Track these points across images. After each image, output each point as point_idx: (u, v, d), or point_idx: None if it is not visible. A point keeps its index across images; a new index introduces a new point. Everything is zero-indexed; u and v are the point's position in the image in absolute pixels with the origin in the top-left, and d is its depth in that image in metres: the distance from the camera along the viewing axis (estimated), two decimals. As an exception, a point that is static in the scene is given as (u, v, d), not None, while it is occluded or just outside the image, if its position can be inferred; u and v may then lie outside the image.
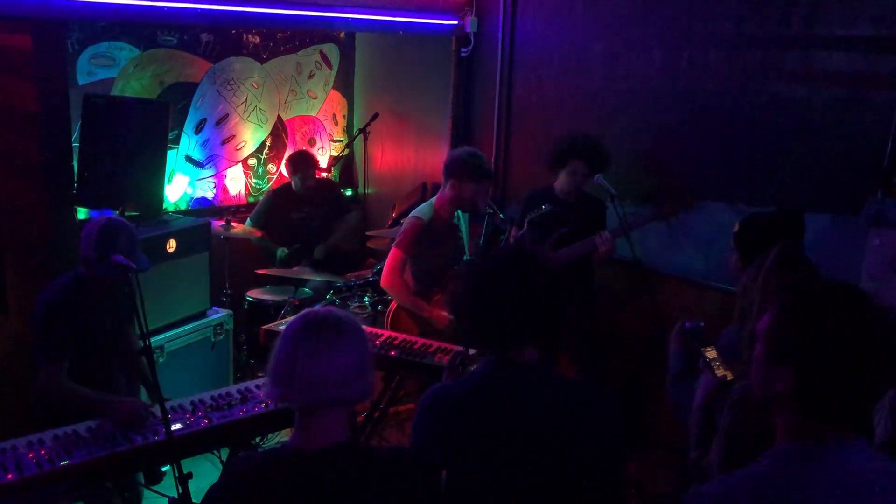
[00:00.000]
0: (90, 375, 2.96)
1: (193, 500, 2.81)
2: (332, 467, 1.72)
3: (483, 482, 1.92)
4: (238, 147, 5.80)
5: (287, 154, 5.86)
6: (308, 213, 5.47)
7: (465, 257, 4.09)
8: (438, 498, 1.88)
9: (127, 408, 2.75)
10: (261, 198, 5.69)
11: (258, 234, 5.26)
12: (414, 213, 4.02)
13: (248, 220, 5.41)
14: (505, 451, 1.91)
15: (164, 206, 4.61)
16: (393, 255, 3.91)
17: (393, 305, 4.04)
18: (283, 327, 3.89)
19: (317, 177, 5.57)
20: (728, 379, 2.20)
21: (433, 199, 3.99)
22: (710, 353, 2.31)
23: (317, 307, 1.94)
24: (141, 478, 3.06)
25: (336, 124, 6.40)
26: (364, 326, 1.88)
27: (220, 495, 1.75)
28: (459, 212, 4.04)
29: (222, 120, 5.66)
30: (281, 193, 5.51)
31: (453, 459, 1.92)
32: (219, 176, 5.74)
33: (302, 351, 1.71)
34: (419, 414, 1.97)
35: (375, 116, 5.94)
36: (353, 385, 1.74)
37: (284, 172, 5.77)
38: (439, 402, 1.96)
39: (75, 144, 4.28)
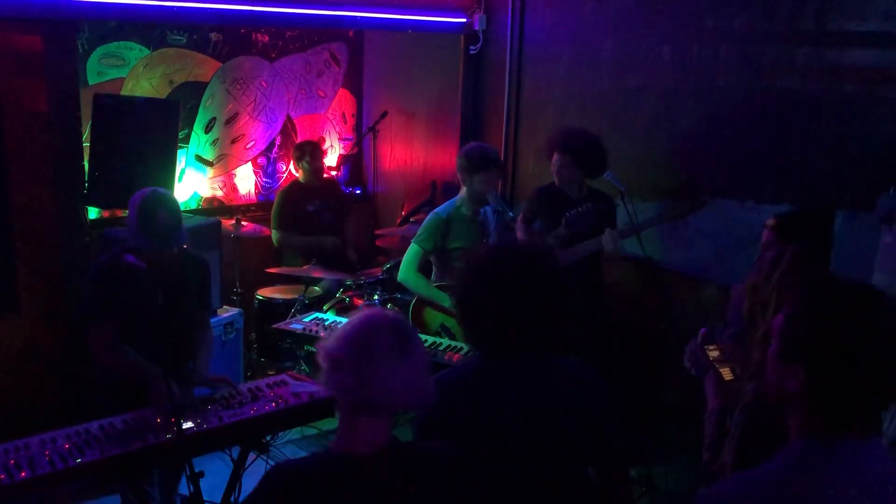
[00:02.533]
0: (138, 348, 2.97)
1: (205, 499, 2.83)
2: (385, 470, 1.70)
3: (483, 467, 1.91)
4: (248, 146, 5.81)
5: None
6: (320, 206, 5.49)
7: None
8: (480, 491, 1.86)
9: (166, 392, 2.72)
10: (271, 198, 5.71)
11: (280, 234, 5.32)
12: (436, 208, 4.13)
13: (273, 230, 5.38)
14: (503, 436, 1.92)
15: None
16: (410, 249, 4.06)
17: (416, 299, 4.09)
18: (294, 326, 3.93)
19: (323, 167, 5.60)
20: (727, 378, 2.20)
21: (456, 197, 4.09)
22: (713, 353, 2.30)
23: (373, 309, 1.94)
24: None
25: (345, 123, 6.40)
26: None
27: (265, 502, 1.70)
28: (489, 210, 4.04)
29: (232, 119, 5.67)
30: (290, 190, 5.52)
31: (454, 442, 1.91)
32: (229, 175, 5.76)
33: (392, 358, 1.68)
34: None
35: (384, 115, 5.94)
36: (423, 388, 1.75)
37: (292, 168, 5.78)
38: (438, 390, 1.95)
39: (86, 144, 4.29)
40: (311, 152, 5.46)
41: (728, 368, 2.23)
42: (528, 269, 1.93)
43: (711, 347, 2.31)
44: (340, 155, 6.29)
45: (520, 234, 4.25)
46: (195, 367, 3.14)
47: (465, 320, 2.01)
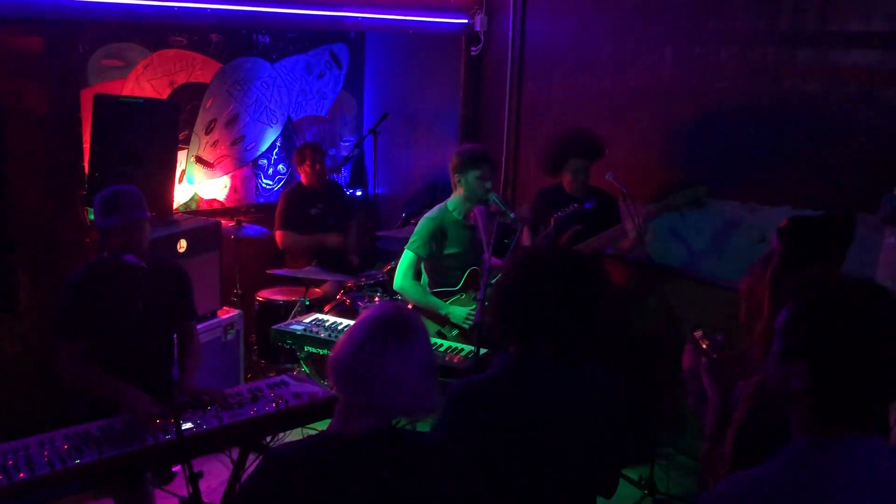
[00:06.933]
0: (116, 358, 2.90)
1: (204, 500, 2.81)
2: (374, 450, 1.74)
3: (510, 469, 1.97)
4: (248, 147, 5.81)
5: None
6: (323, 209, 5.49)
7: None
8: (469, 481, 1.90)
9: (143, 406, 2.71)
10: (272, 199, 5.70)
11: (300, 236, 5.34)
12: (427, 214, 4.02)
13: (277, 230, 5.38)
14: (530, 439, 1.96)
15: (175, 207, 4.61)
16: (405, 256, 3.94)
17: (411, 307, 4.03)
18: (294, 327, 3.91)
19: (325, 170, 5.59)
20: (715, 357, 2.21)
21: (447, 201, 3.99)
22: (704, 343, 2.30)
23: (384, 303, 1.97)
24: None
25: (346, 124, 6.39)
26: None
27: (262, 484, 1.74)
28: (479, 214, 3.98)
29: (232, 120, 5.66)
30: (293, 192, 5.52)
31: (480, 448, 1.95)
32: (230, 176, 5.75)
33: (390, 359, 1.73)
34: (447, 407, 2.00)
35: (385, 116, 5.92)
36: (428, 395, 1.79)
37: (294, 171, 5.78)
38: (467, 395, 2.00)
39: (86, 146, 4.29)
40: (312, 155, 5.44)
41: (719, 353, 2.23)
42: (582, 275, 1.96)
43: (698, 332, 2.32)
44: (341, 157, 6.28)
45: (526, 240, 4.23)
46: (180, 377, 3.09)
47: (511, 322, 2.01)
